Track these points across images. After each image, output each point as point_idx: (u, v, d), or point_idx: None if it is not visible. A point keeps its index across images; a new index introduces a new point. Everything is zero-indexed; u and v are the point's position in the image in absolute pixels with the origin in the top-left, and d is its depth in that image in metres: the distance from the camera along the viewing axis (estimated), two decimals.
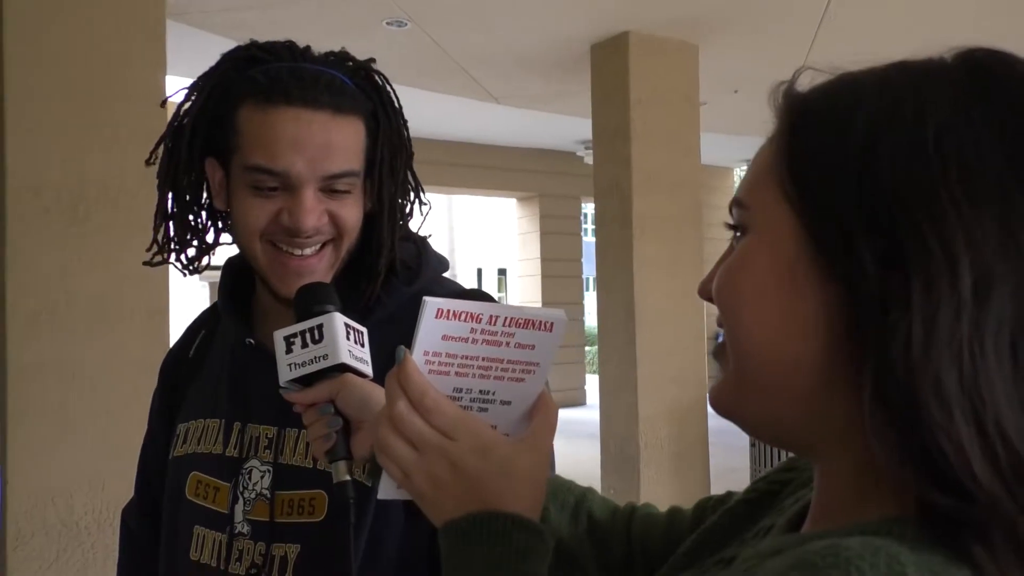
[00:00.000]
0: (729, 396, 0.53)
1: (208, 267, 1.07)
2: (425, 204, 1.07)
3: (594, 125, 5.42)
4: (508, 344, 0.62)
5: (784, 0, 4.57)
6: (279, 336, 0.83)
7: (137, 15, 3.09)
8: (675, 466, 4.95)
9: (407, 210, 1.04)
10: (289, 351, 0.83)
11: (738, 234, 0.54)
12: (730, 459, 6.23)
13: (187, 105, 0.99)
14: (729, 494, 0.73)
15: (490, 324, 0.61)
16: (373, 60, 1.02)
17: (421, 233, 1.08)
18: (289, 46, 0.99)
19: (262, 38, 1.04)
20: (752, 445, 5.50)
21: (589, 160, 7.41)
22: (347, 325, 0.85)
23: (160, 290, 3.05)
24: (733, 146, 9.85)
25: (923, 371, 0.42)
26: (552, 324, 0.62)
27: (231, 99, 0.94)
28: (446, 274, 1.11)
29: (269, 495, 0.94)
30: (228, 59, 0.99)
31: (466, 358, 0.62)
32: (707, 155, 5.80)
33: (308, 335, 0.83)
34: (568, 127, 8.16)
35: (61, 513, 2.83)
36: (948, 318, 0.42)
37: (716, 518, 0.68)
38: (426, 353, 0.61)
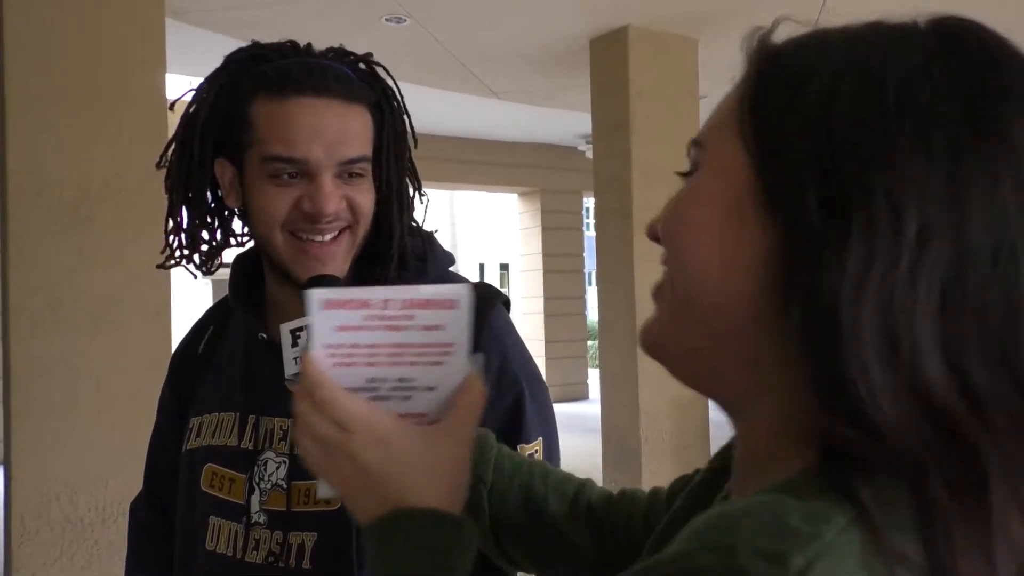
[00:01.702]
0: (660, 331, 0.53)
1: (220, 265, 1.09)
2: (424, 195, 1.09)
3: (594, 119, 5.42)
4: (411, 327, 0.59)
5: None
6: (285, 329, 0.85)
7: (138, 14, 3.10)
8: (676, 459, 4.96)
9: (411, 200, 1.06)
10: (295, 344, 0.83)
11: (693, 170, 0.54)
12: None
13: (196, 106, 1.00)
14: (697, 471, 0.72)
15: (383, 309, 0.58)
16: (371, 54, 1.04)
17: (426, 229, 1.10)
18: (291, 44, 1.01)
19: (262, 36, 1.05)
20: None
21: (590, 155, 7.41)
22: None
23: (163, 288, 3.07)
24: None
25: (849, 308, 0.42)
26: (454, 301, 0.59)
27: (241, 96, 0.96)
28: (452, 268, 1.13)
29: (285, 485, 0.96)
30: (233, 59, 1.01)
31: (371, 347, 0.59)
32: None
33: None
34: (569, 121, 8.16)
35: (66, 509, 2.86)
36: (884, 263, 0.42)
37: (683, 498, 0.67)
38: (326, 347, 0.58)
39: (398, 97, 1.04)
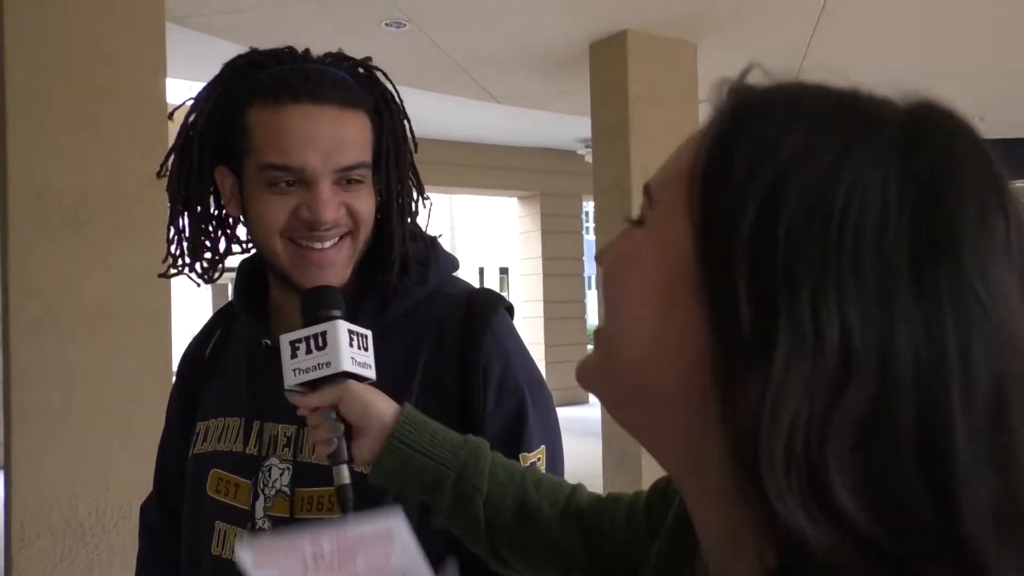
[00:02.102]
0: (592, 378, 0.53)
1: (221, 271, 1.09)
2: (427, 199, 1.08)
3: (593, 124, 5.43)
4: (355, 566, 0.59)
5: None
6: (284, 341, 0.85)
7: (137, 19, 3.10)
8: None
9: (413, 205, 1.06)
10: (294, 356, 0.85)
11: (637, 220, 0.52)
12: None
13: (194, 115, 1.00)
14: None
15: (317, 558, 0.59)
16: (370, 58, 1.03)
17: (429, 233, 1.10)
18: (289, 50, 1.00)
19: (261, 40, 1.05)
20: None
21: (590, 158, 7.41)
22: (351, 331, 0.86)
23: (162, 293, 3.06)
24: None
25: (765, 430, 0.40)
26: (390, 531, 0.60)
27: (238, 104, 0.96)
28: (456, 272, 1.12)
29: (289, 492, 0.96)
30: (230, 67, 1.00)
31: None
32: None
33: (312, 341, 0.85)
34: (568, 125, 8.17)
35: (66, 514, 2.85)
36: (801, 393, 0.40)
37: (661, 541, 0.65)
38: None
39: (397, 101, 1.03)
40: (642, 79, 5.08)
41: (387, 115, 1.00)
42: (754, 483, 0.40)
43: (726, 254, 0.43)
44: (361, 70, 1.02)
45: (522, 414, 0.98)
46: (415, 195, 1.06)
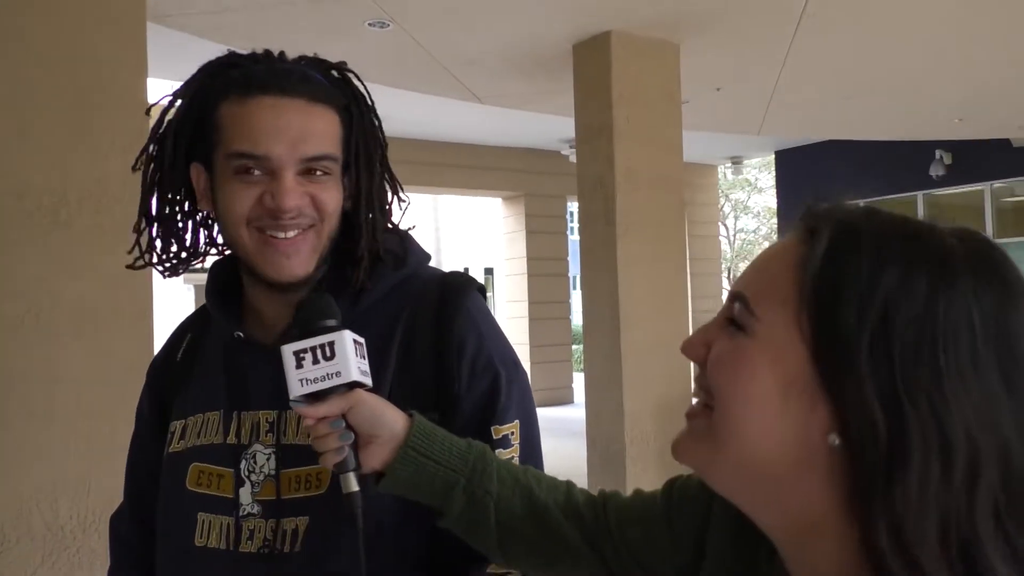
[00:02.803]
0: (697, 461, 0.62)
1: (189, 268, 1.10)
2: (404, 200, 1.10)
3: (577, 124, 5.44)
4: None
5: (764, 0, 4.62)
6: (288, 351, 0.86)
7: (119, 19, 3.09)
8: (661, 462, 4.98)
9: (387, 203, 1.08)
10: (299, 366, 0.85)
11: (735, 326, 0.60)
12: None
13: (170, 111, 1.02)
14: (689, 477, 0.77)
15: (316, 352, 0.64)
16: (344, 63, 1.06)
17: (403, 227, 1.12)
18: (265, 53, 1.04)
19: (244, 40, 1.07)
20: None
21: (574, 159, 7.43)
22: (355, 340, 0.88)
23: (144, 294, 3.05)
24: (716, 143, 9.91)
25: (916, 521, 0.50)
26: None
27: (211, 100, 0.98)
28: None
29: (275, 474, 0.98)
30: (207, 66, 1.03)
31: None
32: (690, 152, 5.84)
33: (319, 352, 0.85)
34: (552, 126, 8.19)
35: (46, 518, 2.83)
36: (941, 488, 0.50)
37: (719, 538, 0.71)
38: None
39: (369, 102, 1.05)
40: (625, 79, 5.10)
41: (357, 114, 1.03)
42: (908, 565, 0.49)
43: (847, 376, 0.53)
44: (335, 72, 1.04)
45: (496, 389, 1.00)
46: (388, 194, 1.08)
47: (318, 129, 0.97)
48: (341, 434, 0.85)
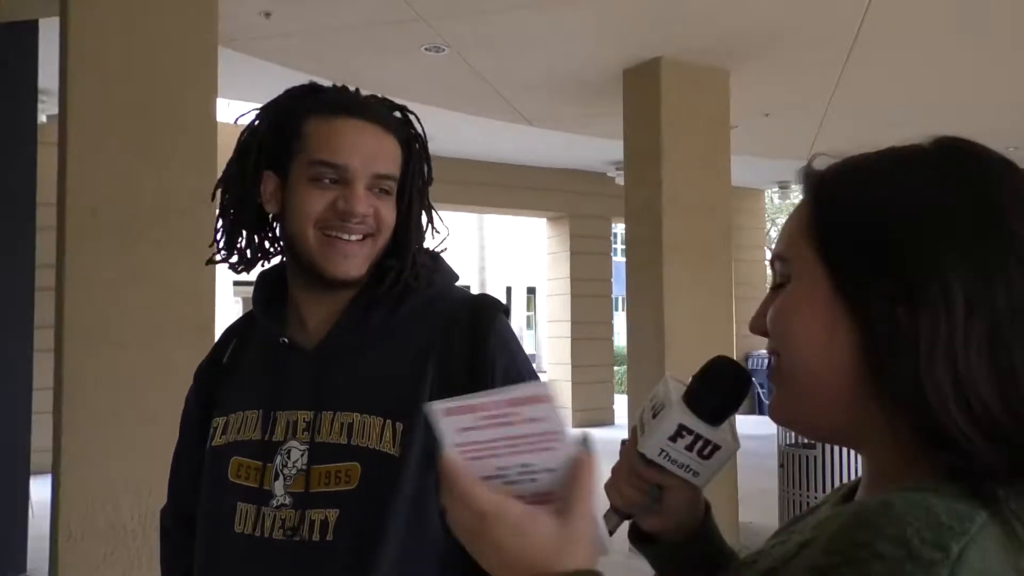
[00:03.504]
0: (785, 408, 0.69)
1: (259, 264, 1.22)
2: (438, 232, 1.23)
3: (625, 148, 5.49)
4: (517, 422, 0.66)
5: (815, 27, 4.64)
6: (678, 415, 0.76)
7: (191, 42, 3.24)
8: (704, 486, 4.96)
9: (424, 229, 1.21)
10: (673, 440, 0.77)
11: (780, 281, 0.69)
12: (759, 480, 6.23)
13: (256, 124, 1.17)
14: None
15: (490, 410, 0.66)
16: (406, 107, 1.21)
17: (438, 249, 1.25)
18: (343, 86, 1.19)
19: (307, 63, 1.23)
20: (780, 466, 5.50)
21: (620, 181, 7.46)
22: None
23: (207, 305, 3.18)
24: (764, 168, 9.86)
25: (928, 379, 0.58)
26: (542, 395, 0.66)
27: (297, 115, 1.13)
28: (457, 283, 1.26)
29: (307, 469, 1.08)
30: (293, 90, 1.18)
31: (489, 442, 0.66)
32: (738, 177, 5.86)
33: (701, 446, 0.77)
34: (599, 148, 8.24)
35: (109, 517, 2.96)
36: (946, 338, 0.58)
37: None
38: (456, 446, 0.67)
39: (425, 144, 1.20)
40: (675, 105, 5.15)
41: (416, 151, 1.18)
42: (920, 417, 0.58)
43: (860, 277, 0.62)
44: (398, 113, 1.19)
45: None
46: (427, 223, 1.21)
47: (388, 152, 1.13)
48: (649, 494, 0.81)
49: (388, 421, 1.07)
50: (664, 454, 0.77)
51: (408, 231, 1.16)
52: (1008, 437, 0.57)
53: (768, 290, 0.72)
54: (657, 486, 0.81)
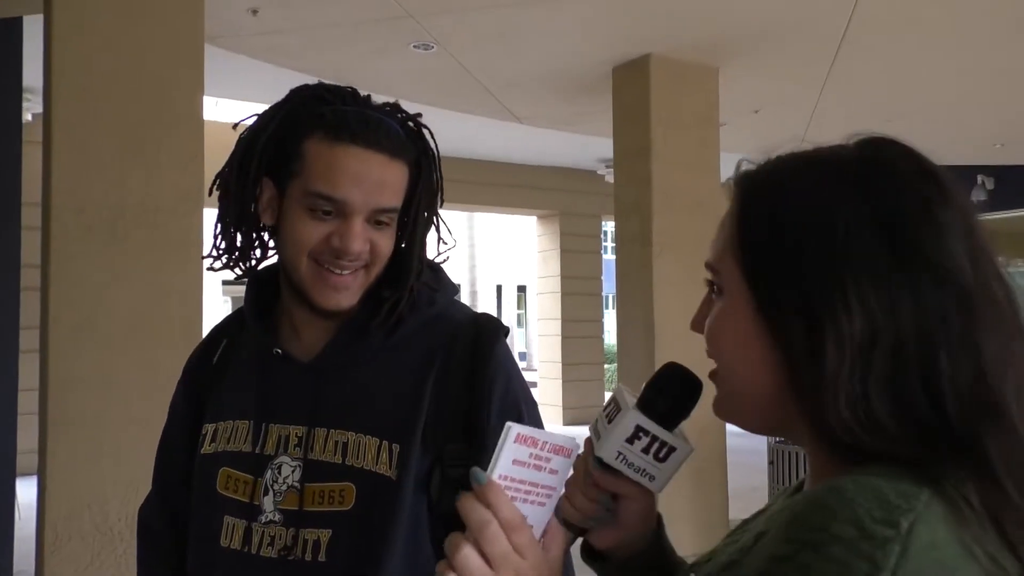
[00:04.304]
0: (722, 407, 0.73)
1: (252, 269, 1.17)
2: (446, 243, 1.18)
3: (615, 146, 5.49)
4: (545, 469, 0.66)
5: (804, 23, 4.64)
6: (633, 420, 0.77)
7: (177, 41, 3.21)
8: (694, 483, 4.97)
9: (425, 256, 1.15)
10: (630, 442, 0.76)
11: (715, 290, 0.71)
12: (749, 478, 6.24)
13: (256, 131, 1.10)
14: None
15: (540, 449, 0.65)
16: (420, 115, 1.14)
17: (439, 259, 1.19)
18: (352, 92, 1.11)
19: (295, 61, 1.16)
20: (770, 463, 5.51)
21: (610, 178, 7.46)
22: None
23: (194, 305, 3.15)
24: None
25: (831, 406, 0.60)
26: (571, 451, 0.67)
27: (299, 130, 1.06)
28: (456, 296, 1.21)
29: (299, 487, 1.04)
30: (298, 94, 1.10)
31: (520, 482, 0.65)
32: (727, 174, 5.85)
33: (657, 448, 0.77)
34: (589, 146, 8.24)
35: (96, 519, 2.93)
36: (850, 364, 0.59)
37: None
38: (501, 476, 0.64)
39: (436, 157, 1.14)
40: (665, 102, 5.14)
41: (425, 168, 1.11)
42: (830, 432, 0.61)
43: (773, 297, 0.64)
44: (411, 124, 1.12)
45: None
46: (436, 236, 1.16)
47: (392, 183, 1.06)
48: (600, 506, 0.79)
49: (384, 442, 1.03)
50: (621, 457, 0.76)
51: (409, 259, 1.10)
52: (914, 450, 0.59)
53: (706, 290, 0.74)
54: (612, 496, 0.80)
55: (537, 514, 0.67)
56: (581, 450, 0.70)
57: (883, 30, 4.71)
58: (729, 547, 0.72)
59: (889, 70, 5.36)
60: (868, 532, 0.53)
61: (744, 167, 0.72)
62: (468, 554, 0.64)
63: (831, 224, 0.62)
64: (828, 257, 0.61)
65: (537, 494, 0.67)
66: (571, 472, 0.68)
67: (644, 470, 0.77)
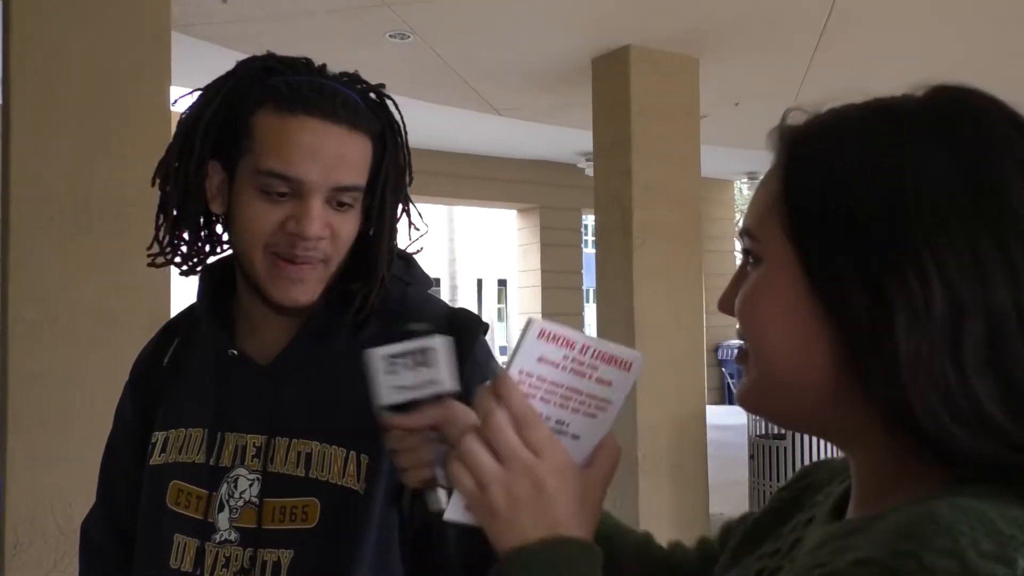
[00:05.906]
0: (754, 397, 0.61)
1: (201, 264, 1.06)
2: (418, 229, 1.08)
3: (595, 138, 5.44)
4: (591, 377, 0.62)
5: (784, 15, 4.61)
6: (379, 355, 0.77)
7: (143, 28, 3.12)
8: (673, 477, 4.95)
9: (396, 242, 1.06)
10: (391, 372, 0.76)
11: (751, 260, 0.60)
12: (731, 472, 6.23)
13: (200, 107, 0.99)
14: (751, 514, 0.76)
15: (581, 353, 0.61)
16: (383, 85, 1.03)
17: (411, 248, 1.10)
18: (306, 62, 1.00)
19: (267, 50, 1.05)
20: (751, 457, 5.50)
21: (590, 172, 7.43)
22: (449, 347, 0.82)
23: (161, 300, 3.06)
24: (733, 159, 9.87)
25: (913, 391, 0.49)
26: (631, 363, 0.63)
27: (247, 104, 0.95)
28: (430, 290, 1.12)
29: (258, 502, 0.95)
30: (245, 67, 1.00)
31: (553, 384, 0.61)
32: (707, 167, 5.83)
33: (417, 358, 0.77)
34: (569, 139, 8.19)
35: (60, 521, 2.84)
36: (929, 346, 0.49)
37: (747, 527, 0.72)
38: (520, 372, 0.60)
39: (403, 131, 1.03)
40: (644, 94, 5.10)
41: (391, 142, 1.01)
42: (912, 429, 0.50)
43: (828, 263, 0.53)
44: (373, 95, 1.02)
45: None
46: (408, 221, 1.06)
47: (353, 158, 0.95)
48: (436, 448, 0.77)
49: (352, 452, 0.93)
50: (402, 389, 0.76)
51: (379, 246, 1.00)
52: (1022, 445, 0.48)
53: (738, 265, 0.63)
54: (435, 432, 0.77)
55: (587, 426, 0.63)
56: (642, 363, 0.63)
57: (865, 20, 4.69)
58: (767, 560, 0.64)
59: (870, 61, 5.35)
60: (973, 569, 0.42)
61: (791, 118, 0.60)
62: (473, 446, 0.59)
63: (900, 178, 0.51)
64: (898, 217, 0.51)
65: (582, 402, 0.62)
66: (630, 389, 0.63)
67: (425, 382, 0.76)
